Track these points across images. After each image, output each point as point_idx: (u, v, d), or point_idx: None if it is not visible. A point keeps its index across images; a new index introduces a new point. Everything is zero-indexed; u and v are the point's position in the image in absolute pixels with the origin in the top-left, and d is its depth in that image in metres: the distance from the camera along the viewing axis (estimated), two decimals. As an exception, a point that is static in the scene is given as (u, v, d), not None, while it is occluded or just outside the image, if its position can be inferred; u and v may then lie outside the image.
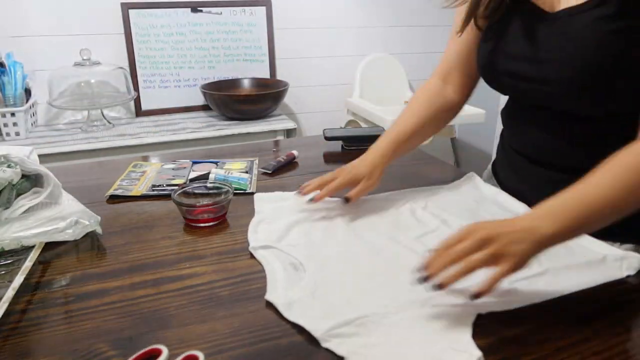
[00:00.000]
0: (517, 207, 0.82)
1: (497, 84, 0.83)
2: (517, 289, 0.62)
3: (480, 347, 0.53)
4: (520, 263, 0.56)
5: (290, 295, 0.60)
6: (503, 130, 0.93)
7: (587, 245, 0.72)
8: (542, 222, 0.57)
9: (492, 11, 0.79)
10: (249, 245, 0.73)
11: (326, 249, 0.72)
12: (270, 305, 0.60)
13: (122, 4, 1.97)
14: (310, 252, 0.71)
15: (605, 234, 0.67)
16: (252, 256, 0.71)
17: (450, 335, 0.54)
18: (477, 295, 0.55)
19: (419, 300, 0.59)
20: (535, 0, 0.76)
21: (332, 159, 1.14)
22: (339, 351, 0.52)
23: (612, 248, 0.71)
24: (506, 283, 0.61)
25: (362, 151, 1.22)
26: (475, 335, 0.55)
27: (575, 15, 0.69)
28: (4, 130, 1.77)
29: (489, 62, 0.82)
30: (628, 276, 0.66)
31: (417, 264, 0.58)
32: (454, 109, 0.94)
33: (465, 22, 0.82)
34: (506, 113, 0.89)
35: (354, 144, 1.19)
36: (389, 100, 2.31)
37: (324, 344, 0.53)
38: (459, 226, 0.64)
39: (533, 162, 0.83)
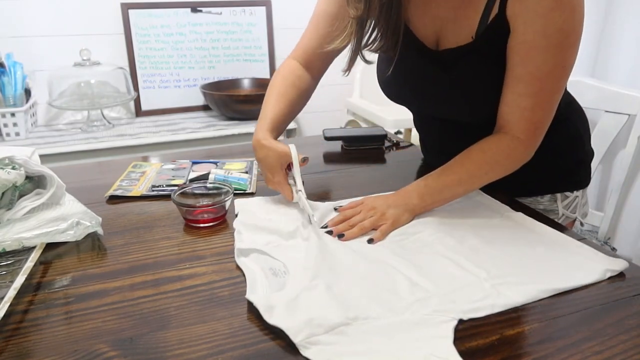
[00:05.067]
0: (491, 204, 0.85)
1: (400, 103, 0.98)
2: (497, 293, 0.61)
3: (480, 347, 0.53)
4: (396, 222, 0.78)
5: (272, 300, 0.59)
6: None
7: (569, 248, 0.72)
8: (411, 198, 0.81)
9: (384, 50, 0.84)
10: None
11: (310, 253, 0.70)
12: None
13: (122, 4, 1.97)
14: (293, 254, 0.70)
15: (527, 189, 0.94)
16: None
17: (431, 342, 0.53)
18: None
19: (400, 307, 0.59)
20: (421, 37, 0.85)
21: (332, 159, 1.14)
22: (317, 359, 0.51)
23: (594, 251, 0.71)
24: (488, 286, 0.62)
25: (361, 151, 1.21)
26: (476, 336, 0.55)
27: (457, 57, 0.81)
28: (4, 130, 1.77)
29: (388, 85, 0.95)
30: (628, 276, 0.66)
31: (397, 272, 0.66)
32: (310, 94, 1.01)
33: (351, 62, 0.86)
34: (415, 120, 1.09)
35: (353, 144, 1.19)
36: (389, 100, 2.31)
37: (303, 352, 0.52)
38: (436, 228, 0.78)
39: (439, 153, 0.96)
